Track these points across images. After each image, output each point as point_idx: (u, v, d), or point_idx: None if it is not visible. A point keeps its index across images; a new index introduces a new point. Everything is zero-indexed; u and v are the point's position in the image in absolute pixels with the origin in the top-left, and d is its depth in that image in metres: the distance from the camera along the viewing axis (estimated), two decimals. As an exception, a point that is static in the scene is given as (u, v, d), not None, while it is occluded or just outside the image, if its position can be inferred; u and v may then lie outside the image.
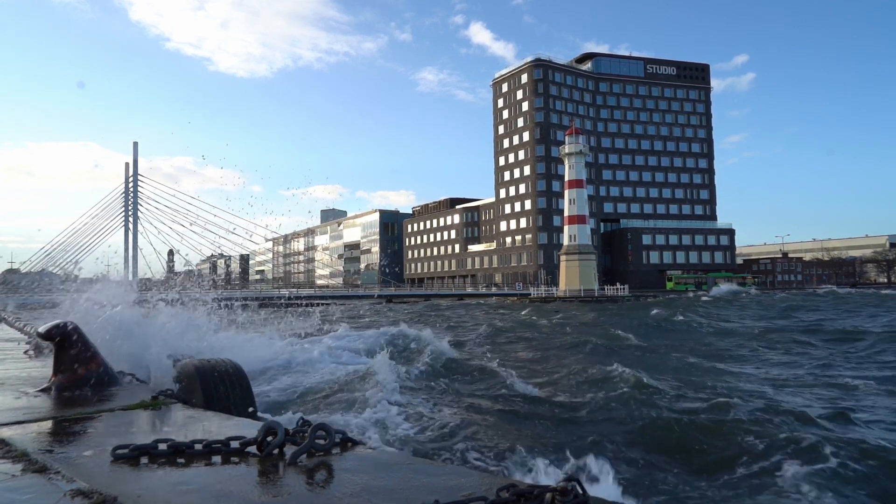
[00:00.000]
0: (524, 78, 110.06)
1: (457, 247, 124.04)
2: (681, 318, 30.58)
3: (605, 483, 5.69)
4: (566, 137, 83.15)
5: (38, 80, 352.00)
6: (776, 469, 6.31)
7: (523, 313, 43.00)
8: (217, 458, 2.56)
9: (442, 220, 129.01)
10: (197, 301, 10.48)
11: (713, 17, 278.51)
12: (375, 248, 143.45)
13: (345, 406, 8.60)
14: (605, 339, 20.09)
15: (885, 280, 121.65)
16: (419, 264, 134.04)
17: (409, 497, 2.03)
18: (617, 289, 76.24)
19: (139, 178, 74.15)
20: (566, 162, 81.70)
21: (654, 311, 36.90)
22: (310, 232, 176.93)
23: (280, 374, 11.62)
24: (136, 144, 74.28)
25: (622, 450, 7.08)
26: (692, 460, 6.87)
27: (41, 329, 4.64)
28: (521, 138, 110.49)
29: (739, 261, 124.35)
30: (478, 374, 12.34)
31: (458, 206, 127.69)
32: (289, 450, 2.57)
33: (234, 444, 2.65)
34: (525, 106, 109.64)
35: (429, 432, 7.32)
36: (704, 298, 74.25)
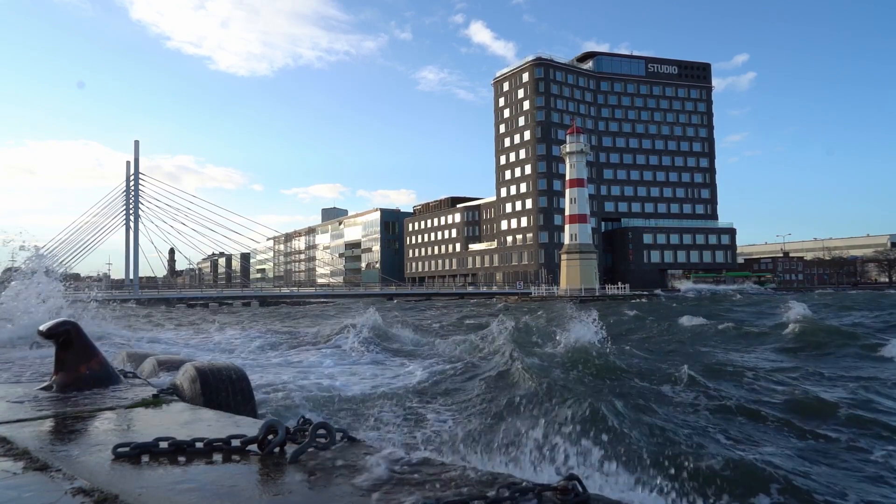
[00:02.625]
0: (525, 77, 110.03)
1: (457, 246, 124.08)
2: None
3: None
4: (567, 136, 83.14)
5: (39, 79, 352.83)
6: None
7: (499, 306, 45.63)
8: (218, 457, 2.57)
9: (443, 218, 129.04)
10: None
11: (713, 17, 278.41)
12: (376, 247, 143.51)
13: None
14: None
15: (887, 280, 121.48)
16: (420, 263, 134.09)
17: (409, 494, 2.03)
18: (618, 288, 76.27)
19: (140, 176, 74.28)
20: (567, 161, 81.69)
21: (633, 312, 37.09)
22: (310, 231, 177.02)
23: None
24: (137, 143, 74.43)
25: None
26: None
27: (42, 327, 4.64)
28: (521, 137, 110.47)
29: (740, 260, 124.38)
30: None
31: (458, 205, 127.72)
32: (290, 448, 2.57)
33: (236, 443, 2.65)
34: (526, 105, 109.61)
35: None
36: (690, 295, 75.00)
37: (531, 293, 78.17)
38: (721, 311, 38.77)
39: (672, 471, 6.04)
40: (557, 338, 15.08)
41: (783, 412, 8.65)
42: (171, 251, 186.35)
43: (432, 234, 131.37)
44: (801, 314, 22.38)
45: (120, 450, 2.56)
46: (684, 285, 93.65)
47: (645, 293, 78.68)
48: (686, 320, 26.41)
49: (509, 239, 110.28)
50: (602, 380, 11.30)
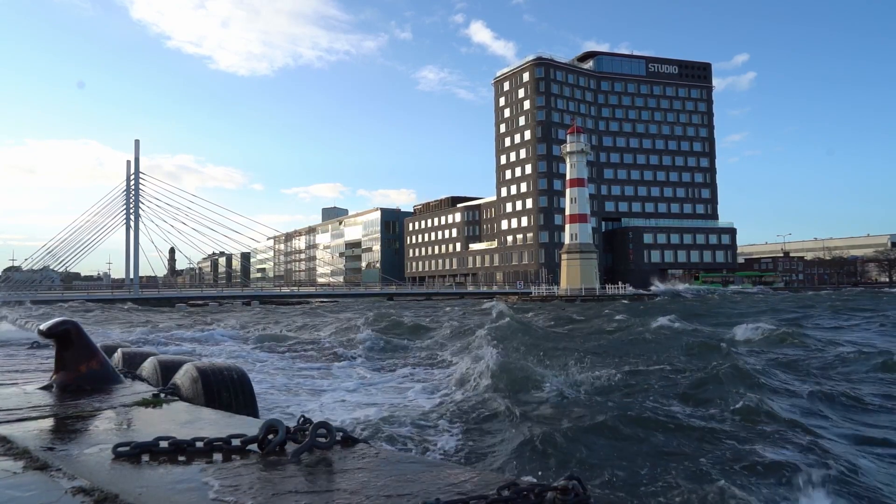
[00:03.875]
0: (526, 76, 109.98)
1: (458, 245, 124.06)
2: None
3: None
4: (567, 136, 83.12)
5: (39, 78, 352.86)
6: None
7: (485, 305, 48.58)
8: (218, 456, 2.56)
9: (443, 218, 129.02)
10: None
11: (713, 17, 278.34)
12: (377, 247, 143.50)
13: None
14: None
15: (887, 279, 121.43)
16: (420, 263, 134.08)
17: (409, 494, 2.03)
18: (618, 287, 76.32)
19: (140, 175, 74.26)
20: (567, 160, 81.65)
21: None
22: (311, 230, 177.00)
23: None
24: (137, 142, 74.44)
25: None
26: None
27: (43, 327, 4.64)
28: (522, 137, 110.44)
29: (741, 260, 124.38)
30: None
31: (459, 205, 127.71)
32: (290, 447, 2.57)
33: (236, 442, 2.64)
34: (526, 104, 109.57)
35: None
36: (688, 295, 75.06)
37: (531, 293, 78.20)
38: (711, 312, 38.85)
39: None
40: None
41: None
42: (172, 250, 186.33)
43: (433, 234, 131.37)
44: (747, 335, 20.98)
45: (120, 449, 2.56)
46: (679, 285, 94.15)
47: (645, 293, 78.71)
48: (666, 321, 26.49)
49: (510, 238, 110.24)
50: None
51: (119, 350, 6.56)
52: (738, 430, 8.13)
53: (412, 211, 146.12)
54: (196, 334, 25.04)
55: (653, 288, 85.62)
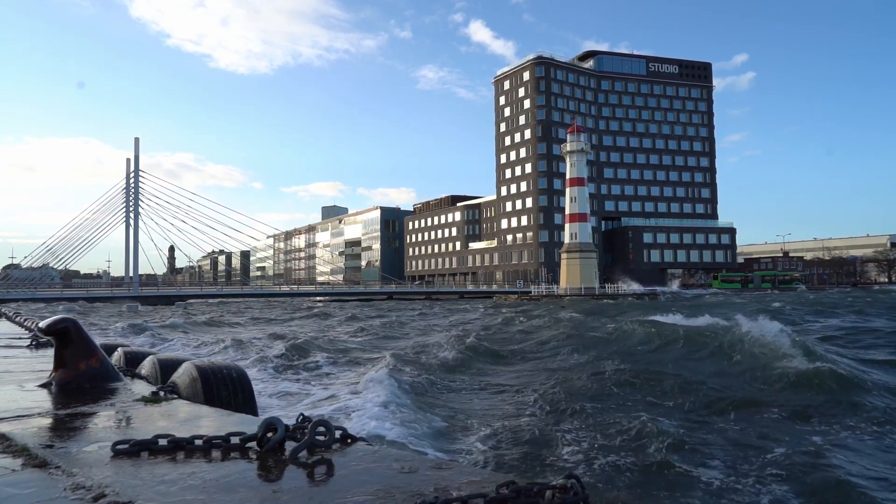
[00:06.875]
0: (526, 76, 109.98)
1: (458, 244, 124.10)
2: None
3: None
4: (568, 135, 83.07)
5: (39, 76, 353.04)
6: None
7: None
8: (217, 454, 2.56)
9: (443, 217, 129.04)
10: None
11: (714, 17, 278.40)
12: (376, 246, 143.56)
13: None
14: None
15: (886, 280, 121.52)
16: (420, 261, 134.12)
17: (408, 492, 2.03)
18: (618, 287, 76.30)
19: (140, 173, 74.27)
20: (567, 160, 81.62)
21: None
22: (311, 229, 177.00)
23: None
24: (137, 140, 74.40)
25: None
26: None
27: (42, 324, 4.64)
28: (522, 136, 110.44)
29: (740, 260, 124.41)
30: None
31: (459, 204, 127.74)
32: (289, 445, 2.57)
33: (235, 440, 2.64)
34: (527, 104, 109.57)
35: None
36: (687, 295, 74.35)
37: (531, 292, 78.19)
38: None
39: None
40: None
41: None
42: (171, 249, 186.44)
43: (432, 233, 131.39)
44: None
45: (119, 447, 2.56)
46: (674, 285, 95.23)
47: (645, 293, 78.60)
48: None
49: (509, 237, 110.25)
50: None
51: (119, 349, 6.56)
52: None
53: (412, 210, 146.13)
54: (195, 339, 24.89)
55: (635, 287, 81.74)
